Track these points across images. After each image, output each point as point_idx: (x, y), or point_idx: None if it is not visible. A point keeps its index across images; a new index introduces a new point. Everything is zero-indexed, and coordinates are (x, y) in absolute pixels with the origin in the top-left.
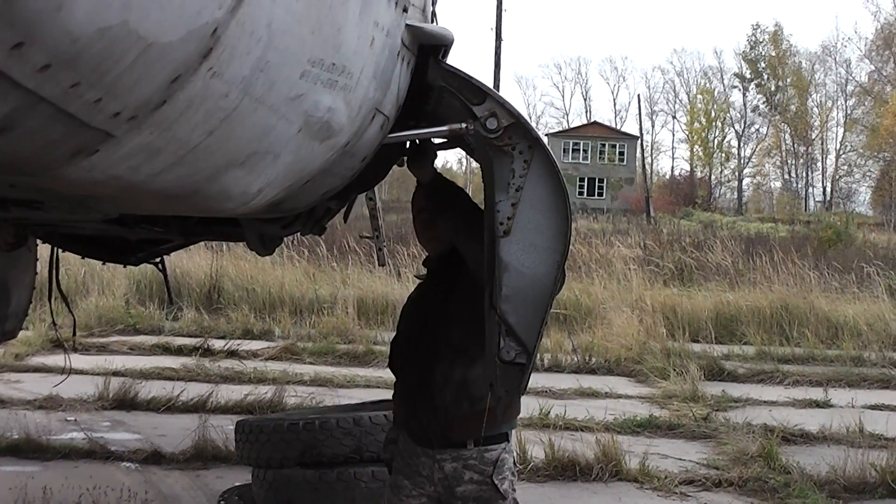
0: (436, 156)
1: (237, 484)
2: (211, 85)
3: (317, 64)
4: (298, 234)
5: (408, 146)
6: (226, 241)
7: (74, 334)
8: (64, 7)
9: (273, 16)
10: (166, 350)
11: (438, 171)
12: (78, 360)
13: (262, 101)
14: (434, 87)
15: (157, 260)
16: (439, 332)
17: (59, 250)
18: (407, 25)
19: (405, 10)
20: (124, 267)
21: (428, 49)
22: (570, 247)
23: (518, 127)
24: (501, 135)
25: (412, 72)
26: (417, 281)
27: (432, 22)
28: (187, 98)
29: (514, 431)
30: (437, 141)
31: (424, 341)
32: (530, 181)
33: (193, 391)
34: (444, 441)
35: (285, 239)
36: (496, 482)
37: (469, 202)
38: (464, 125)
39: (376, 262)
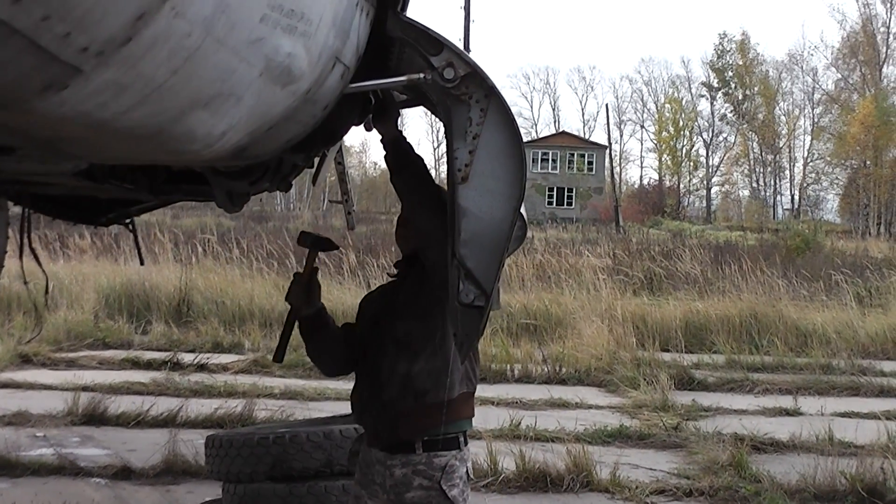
0: (399, 113)
1: (208, 499)
2: (174, 24)
3: (276, 8)
4: (266, 190)
5: (372, 104)
6: (195, 200)
7: (46, 303)
8: None
9: None
10: (136, 364)
11: (402, 132)
12: (47, 376)
13: (224, 43)
14: (394, 39)
15: (128, 221)
16: (386, 328)
17: (31, 211)
18: None
19: None
20: (95, 228)
21: (387, 1)
22: (525, 192)
23: (474, 76)
24: (458, 84)
25: (371, 23)
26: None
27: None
28: (151, 36)
29: (468, 442)
30: (400, 98)
31: (373, 337)
32: (486, 129)
33: (163, 405)
34: (392, 437)
35: (255, 251)
36: (444, 488)
37: (425, 169)
38: (422, 75)
39: (346, 225)
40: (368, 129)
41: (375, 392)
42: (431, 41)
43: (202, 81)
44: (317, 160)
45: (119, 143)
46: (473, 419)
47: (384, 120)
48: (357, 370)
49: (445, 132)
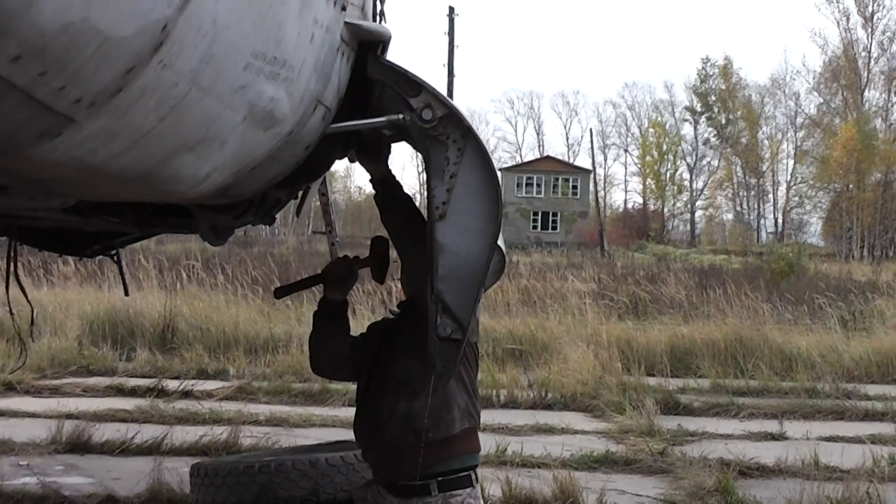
0: (389, 151)
1: None
2: (162, 75)
3: (259, 57)
4: (250, 224)
5: (355, 139)
6: (179, 233)
7: (31, 334)
8: (34, 5)
9: (218, 13)
10: (120, 391)
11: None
12: (30, 403)
13: (209, 91)
14: (374, 81)
15: (113, 252)
16: (387, 368)
17: (17, 243)
18: (346, 23)
19: (344, 9)
20: (80, 259)
21: (367, 45)
22: (501, 229)
23: (452, 117)
24: (436, 125)
25: (352, 66)
26: (370, 318)
27: (380, 21)
28: (140, 87)
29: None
30: (388, 134)
31: (375, 377)
32: (463, 168)
33: (148, 433)
34: (393, 475)
35: (239, 277)
36: None
37: (414, 208)
38: (401, 116)
39: (330, 257)
40: (352, 160)
41: (376, 431)
42: (410, 83)
43: (188, 127)
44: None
45: (108, 185)
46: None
47: (373, 159)
48: (358, 405)
49: (426, 171)
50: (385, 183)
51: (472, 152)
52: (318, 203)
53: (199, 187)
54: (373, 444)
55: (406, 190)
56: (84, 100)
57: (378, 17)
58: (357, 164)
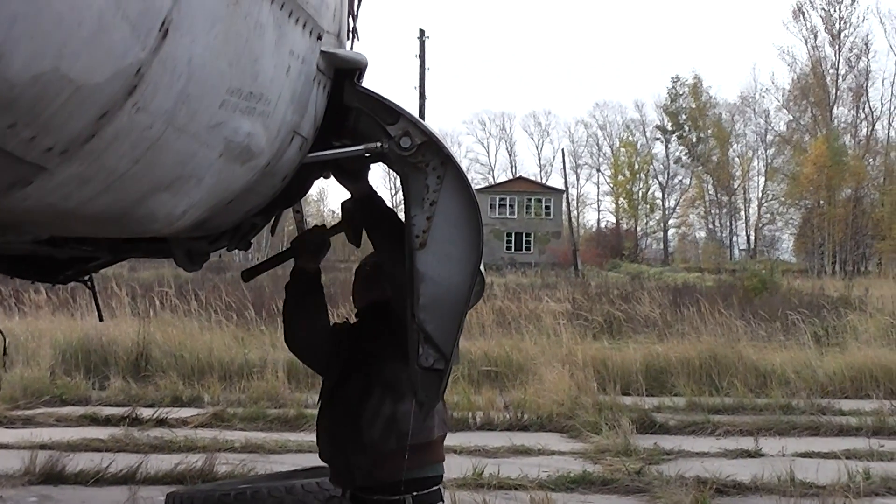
0: (369, 168)
1: None
2: (136, 118)
3: (235, 93)
4: (225, 248)
5: (332, 165)
6: (153, 258)
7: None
8: (3, 58)
9: (193, 52)
10: (94, 420)
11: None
12: (3, 434)
13: (185, 131)
14: (351, 109)
15: (86, 278)
16: (370, 370)
17: None
18: (322, 52)
19: (319, 38)
20: (52, 287)
21: (343, 73)
22: (482, 257)
23: (431, 145)
24: (415, 152)
25: (328, 94)
26: None
27: (352, 39)
28: (114, 131)
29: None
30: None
31: (355, 379)
32: (443, 196)
33: (122, 462)
34: (369, 478)
35: (213, 303)
36: None
37: (400, 223)
38: (379, 144)
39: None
40: (327, 176)
41: (355, 433)
42: (388, 111)
43: (163, 168)
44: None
45: (83, 226)
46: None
47: (354, 178)
48: (325, 411)
49: (404, 198)
50: (369, 200)
51: (451, 179)
52: (293, 222)
53: (175, 224)
54: (348, 447)
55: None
56: (56, 148)
57: (350, 34)
58: (331, 183)
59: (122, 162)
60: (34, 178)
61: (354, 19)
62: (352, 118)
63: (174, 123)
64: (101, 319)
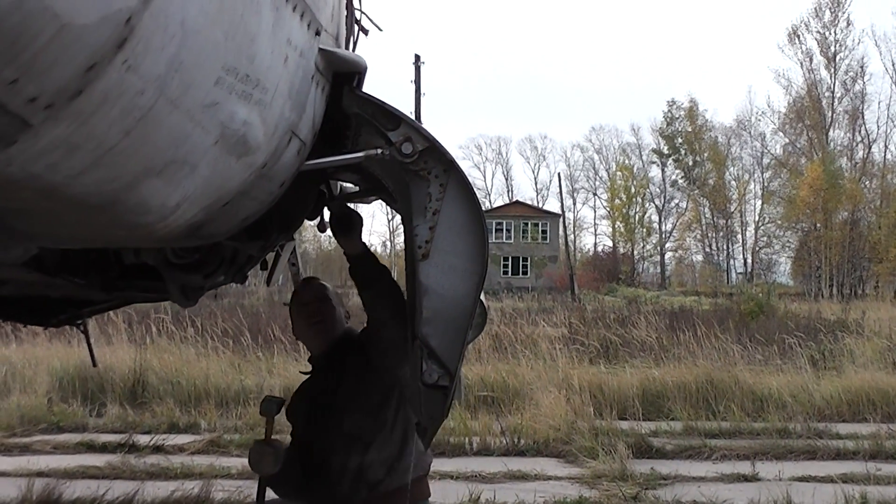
0: (362, 225)
1: None
2: (126, 79)
3: (231, 72)
4: (222, 284)
5: (327, 197)
6: (149, 300)
7: None
8: None
9: (186, 13)
10: (91, 448)
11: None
12: (0, 462)
13: (178, 105)
14: (350, 116)
15: (80, 322)
16: (331, 423)
17: None
18: (320, 49)
19: (318, 34)
20: (45, 329)
21: (342, 77)
22: (487, 267)
23: (433, 151)
24: (417, 159)
25: (327, 99)
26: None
27: (357, 34)
28: (103, 90)
29: None
30: (352, 190)
31: (319, 434)
32: (447, 204)
33: (119, 489)
34: None
35: (209, 329)
36: None
37: (392, 281)
38: (379, 151)
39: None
40: (322, 230)
41: (325, 488)
42: (388, 116)
43: (156, 146)
44: (270, 258)
45: (71, 215)
46: (431, 496)
47: (349, 235)
48: (290, 459)
49: (402, 209)
50: (363, 258)
51: (455, 187)
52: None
53: (168, 220)
54: (320, 500)
55: (381, 261)
56: (40, 99)
57: (355, 28)
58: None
59: (112, 131)
60: (18, 136)
61: (360, 14)
62: (352, 127)
63: (166, 93)
64: (94, 365)
